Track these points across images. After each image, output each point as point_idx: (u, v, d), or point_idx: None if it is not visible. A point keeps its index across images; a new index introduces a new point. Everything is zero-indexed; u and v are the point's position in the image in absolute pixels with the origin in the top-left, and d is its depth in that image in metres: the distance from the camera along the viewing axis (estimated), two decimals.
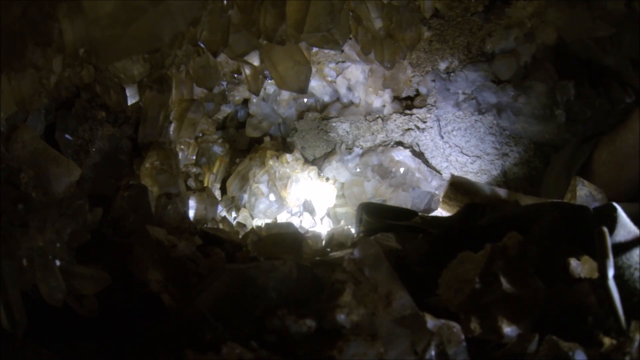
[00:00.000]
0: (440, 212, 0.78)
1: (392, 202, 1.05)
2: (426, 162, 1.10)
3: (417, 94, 1.12)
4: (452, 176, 0.70)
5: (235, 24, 0.73)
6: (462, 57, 1.06)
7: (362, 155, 1.10)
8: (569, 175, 0.82)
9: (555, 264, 0.42)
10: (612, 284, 0.36)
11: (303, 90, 0.81)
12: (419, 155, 1.10)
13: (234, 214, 1.03)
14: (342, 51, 1.05)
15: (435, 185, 1.07)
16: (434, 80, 1.08)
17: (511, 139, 1.06)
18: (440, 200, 0.72)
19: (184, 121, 0.91)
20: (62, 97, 0.81)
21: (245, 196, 1.02)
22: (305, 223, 1.02)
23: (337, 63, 1.09)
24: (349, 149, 1.12)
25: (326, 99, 1.15)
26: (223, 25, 0.71)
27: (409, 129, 1.10)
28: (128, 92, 0.84)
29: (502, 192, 0.71)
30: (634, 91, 0.93)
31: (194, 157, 1.02)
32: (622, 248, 0.38)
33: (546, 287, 0.39)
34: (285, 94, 1.10)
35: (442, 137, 1.09)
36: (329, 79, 1.11)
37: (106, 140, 0.82)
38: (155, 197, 0.72)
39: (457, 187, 0.70)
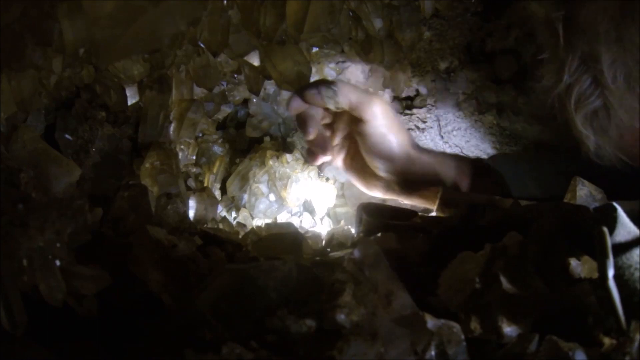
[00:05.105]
0: None
1: (392, 202, 1.05)
2: None
3: (417, 94, 1.12)
4: (443, 191, 0.68)
5: (235, 24, 0.73)
6: (462, 57, 1.06)
7: None
8: None
9: (555, 264, 0.41)
10: (612, 284, 0.36)
11: None
12: None
13: (234, 214, 1.03)
14: (342, 51, 1.05)
15: None
16: (434, 80, 1.08)
17: (511, 139, 1.06)
18: (434, 211, 0.71)
19: (184, 121, 0.91)
20: (62, 97, 0.81)
21: (245, 196, 1.02)
22: (305, 223, 1.02)
23: (337, 63, 1.09)
24: None
25: None
26: (223, 26, 0.71)
27: (409, 129, 1.10)
28: (128, 92, 0.84)
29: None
30: None
31: (194, 157, 1.02)
32: (622, 248, 0.38)
33: (546, 287, 0.39)
34: (286, 94, 1.10)
35: (442, 137, 1.09)
36: (329, 79, 1.11)
37: (106, 140, 0.82)
38: (155, 197, 0.72)
39: (448, 203, 0.67)
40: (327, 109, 0.76)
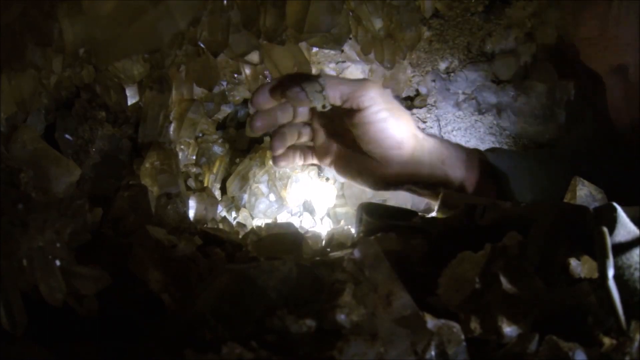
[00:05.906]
0: None
1: (392, 202, 1.05)
2: None
3: (417, 94, 1.12)
4: (444, 193, 0.66)
5: (235, 24, 0.73)
6: (462, 57, 1.06)
7: None
8: None
9: (555, 264, 0.41)
10: (612, 284, 0.36)
11: None
12: None
13: (234, 214, 1.03)
14: (342, 51, 1.05)
15: None
16: (434, 80, 1.08)
17: (511, 139, 1.06)
18: (435, 212, 0.70)
19: (184, 121, 0.91)
20: (62, 97, 0.81)
21: (245, 196, 1.02)
22: (305, 223, 1.02)
23: (337, 63, 1.09)
24: None
25: None
26: (223, 25, 0.71)
27: None
28: (128, 92, 0.84)
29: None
30: None
31: (194, 157, 1.02)
32: (622, 248, 0.38)
33: (546, 287, 0.39)
34: None
35: (442, 137, 1.09)
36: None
37: (106, 140, 0.82)
38: (155, 197, 0.72)
39: (449, 205, 0.67)
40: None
